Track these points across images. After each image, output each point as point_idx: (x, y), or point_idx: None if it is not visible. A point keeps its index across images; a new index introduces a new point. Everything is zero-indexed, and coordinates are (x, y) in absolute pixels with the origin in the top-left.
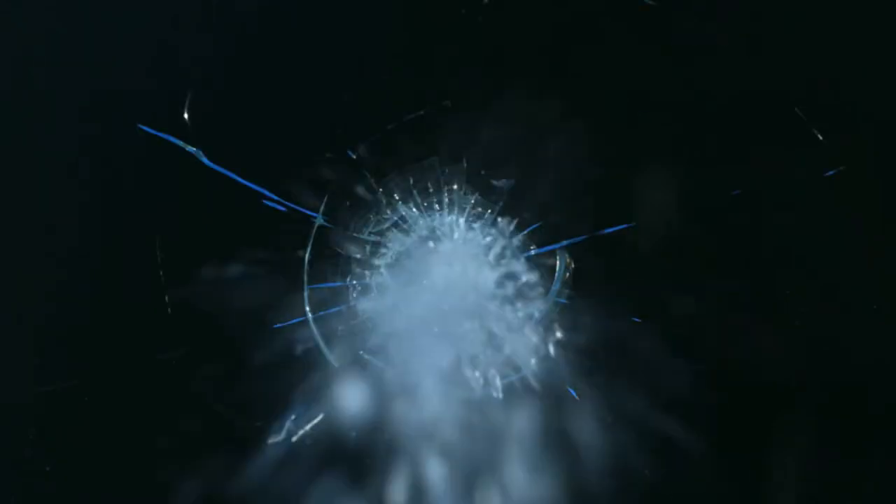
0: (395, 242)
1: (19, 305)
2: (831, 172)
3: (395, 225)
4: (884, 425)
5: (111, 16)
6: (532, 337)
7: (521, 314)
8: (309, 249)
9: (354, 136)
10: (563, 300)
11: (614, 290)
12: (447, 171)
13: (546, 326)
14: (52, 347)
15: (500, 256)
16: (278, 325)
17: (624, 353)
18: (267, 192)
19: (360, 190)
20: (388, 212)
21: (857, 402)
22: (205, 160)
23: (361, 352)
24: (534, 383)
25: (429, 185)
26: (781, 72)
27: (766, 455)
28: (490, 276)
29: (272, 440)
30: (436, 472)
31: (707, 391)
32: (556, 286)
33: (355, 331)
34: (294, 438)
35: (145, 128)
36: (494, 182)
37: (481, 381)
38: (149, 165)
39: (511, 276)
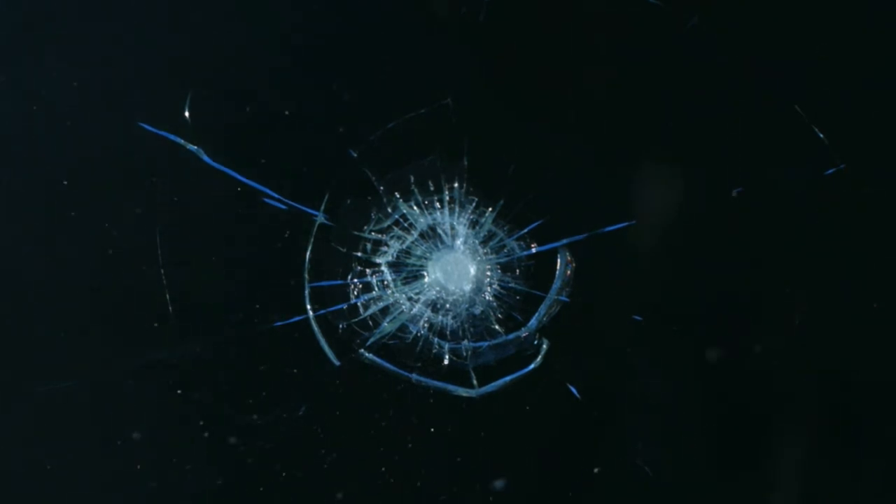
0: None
1: (19, 305)
2: (831, 171)
3: (397, 223)
4: (884, 425)
5: (112, 16)
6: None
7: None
8: (310, 248)
9: (355, 135)
10: (563, 298)
11: (614, 288)
12: (447, 169)
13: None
14: (53, 347)
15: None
16: (278, 323)
17: (624, 350)
18: (267, 191)
19: (361, 188)
20: (389, 210)
21: (857, 401)
22: (205, 158)
23: (362, 350)
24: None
25: (429, 183)
26: (782, 71)
27: (765, 454)
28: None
29: None
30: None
31: (706, 391)
32: (556, 284)
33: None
34: None
35: (146, 126)
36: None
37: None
38: (149, 165)
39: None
